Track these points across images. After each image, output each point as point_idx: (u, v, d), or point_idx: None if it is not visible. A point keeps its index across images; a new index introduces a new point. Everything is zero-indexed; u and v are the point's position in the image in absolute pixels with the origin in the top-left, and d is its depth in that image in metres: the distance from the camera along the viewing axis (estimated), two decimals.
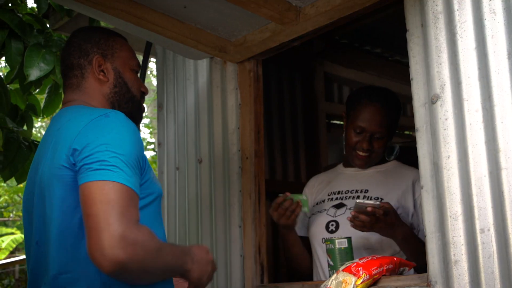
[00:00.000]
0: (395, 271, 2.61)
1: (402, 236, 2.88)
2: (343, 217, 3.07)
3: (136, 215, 1.96)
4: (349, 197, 3.18)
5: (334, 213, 3.15)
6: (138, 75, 2.55)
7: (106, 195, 1.90)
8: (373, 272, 2.48)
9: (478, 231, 2.17)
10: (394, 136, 3.24)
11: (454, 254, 2.25)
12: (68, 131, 2.13)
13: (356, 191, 3.19)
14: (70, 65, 2.41)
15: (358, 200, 2.78)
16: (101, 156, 1.98)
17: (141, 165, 2.12)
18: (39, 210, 2.20)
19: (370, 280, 2.46)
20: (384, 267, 2.53)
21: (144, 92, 2.53)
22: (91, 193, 1.92)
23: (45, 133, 2.33)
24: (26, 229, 2.33)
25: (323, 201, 3.27)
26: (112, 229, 1.85)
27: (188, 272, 2.17)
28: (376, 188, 3.15)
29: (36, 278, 2.21)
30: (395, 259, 2.62)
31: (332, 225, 3.13)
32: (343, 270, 2.50)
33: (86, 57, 2.39)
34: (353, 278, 2.44)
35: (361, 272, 2.45)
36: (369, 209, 2.73)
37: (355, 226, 2.82)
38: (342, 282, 2.44)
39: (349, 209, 3.07)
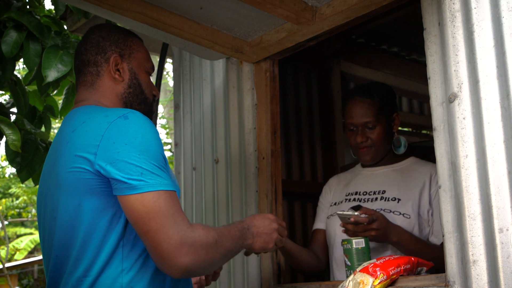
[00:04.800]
0: (413, 271, 2.59)
1: (397, 239, 2.88)
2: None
3: (185, 216, 2.05)
4: (367, 200, 3.16)
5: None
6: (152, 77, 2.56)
7: (158, 207, 2.00)
8: (391, 273, 2.47)
9: (496, 230, 2.14)
10: (396, 126, 3.24)
11: (472, 254, 2.22)
12: (87, 134, 2.13)
13: (374, 193, 3.17)
14: (86, 61, 2.42)
15: (338, 212, 2.83)
16: (138, 164, 2.03)
17: (165, 162, 2.16)
18: (62, 214, 2.20)
19: (388, 280, 2.46)
20: (402, 267, 2.52)
21: (155, 95, 2.55)
22: (144, 207, 2.00)
23: (57, 135, 2.34)
24: (43, 232, 2.34)
25: (341, 202, 3.27)
26: (172, 240, 1.97)
27: (249, 245, 2.34)
28: (393, 189, 3.13)
29: (55, 281, 2.23)
30: (412, 259, 2.60)
31: None
32: (360, 271, 2.49)
33: (104, 54, 2.40)
34: (371, 279, 2.43)
35: (378, 273, 2.44)
36: (351, 219, 2.78)
37: (347, 233, 2.85)
38: (359, 283, 2.44)
39: None
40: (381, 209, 3.03)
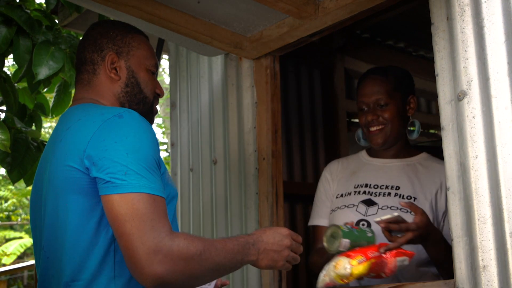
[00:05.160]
0: (392, 259, 2.55)
1: (432, 245, 2.74)
2: (375, 217, 2.90)
3: (167, 223, 1.98)
4: (379, 194, 3.04)
5: (365, 211, 3.01)
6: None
7: (136, 210, 1.93)
8: (370, 255, 2.49)
9: (507, 234, 2.11)
10: (412, 110, 3.13)
11: (482, 259, 2.19)
12: (80, 132, 2.10)
13: (387, 187, 3.06)
14: (83, 59, 2.38)
15: (375, 220, 2.69)
16: (124, 163, 1.98)
17: (160, 166, 2.11)
18: (50, 214, 2.16)
19: (368, 262, 2.47)
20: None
21: (159, 94, 2.50)
22: (122, 208, 1.94)
23: (53, 133, 2.31)
24: (34, 233, 2.31)
25: (349, 193, 3.13)
26: (146, 246, 1.89)
27: (253, 262, 2.20)
28: (407, 185, 3.03)
29: (46, 285, 2.19)
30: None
31: (363, 224, 2.99)
32: (337, 256, 2.54)
33: (100, 52, 2.36)
34: (346, 259, 2.47)
35: (355, 254, 2.48)
36: (381, 225, 2.63)
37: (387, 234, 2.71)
38: (334, 266, 2.49)
39: (381, 208, 2.97)
40: (397, 208, 2.94)
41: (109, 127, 2.05)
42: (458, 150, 2.34)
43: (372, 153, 3.24)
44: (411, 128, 3.11)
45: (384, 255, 2.50)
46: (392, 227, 2.61)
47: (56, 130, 2.28)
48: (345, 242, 2.57)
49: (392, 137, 3.08)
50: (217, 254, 2.03)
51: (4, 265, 16.53)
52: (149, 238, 1.89)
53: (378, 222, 2.62)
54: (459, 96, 2.31)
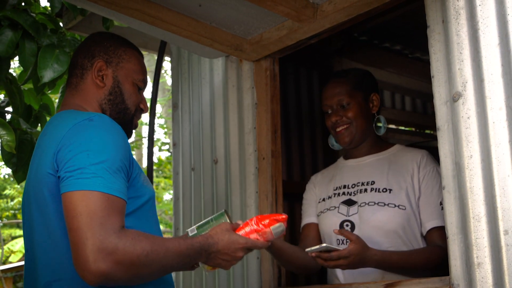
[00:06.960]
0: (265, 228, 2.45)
1: (374, 266, 2.77)
2: (357, 216, 3.00)
3: (118, 222, 1.96)
4: (357, 192, 3.08)
5: (347, 211, 3.05)
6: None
7: (86, 206, 1.92)
8: (241, 234, 2.38)
9: (501, 232, 2.13)
10: (376, 107, 3.17)
11: (477, 257, 2.22)
12: (52, 137, 2.14)
13: (363, 184, 3.09)
14: (75, 63, 2.44)
15: (306, 250, 2.66)
16: (82, 163, 1.99)
17: (128, 168, 2.12)
18: (28, 218, 2.22)
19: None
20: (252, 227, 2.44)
21: (142, 109, 2.52)
22: (72, 204, 1.94)
23: (37, 140, 2.35)
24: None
25: (330, 197, 3.18)
26: (91, 242, 1.87)
27: (201, 262, 2.26)
28: (381, 179, 3.05)
29: (29, 286, 2.23)
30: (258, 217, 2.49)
31: (347, 225, 3.03)
32: None
33: (91, 58, 2.41)
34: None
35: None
36: (312, 254, 2.63)
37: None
38: None
39: (360, 205, 3.01)
40: (374, 202, 2.97)
41: (77, 130, 2.08)
42: (453, 150, 2.36)
43: (347, 156, 3.29)
44: (378, 124, 3.14)
45: (257, 228, 2.41)
46: (323, 256, 2.61)
47: (39, 138, 2.32)
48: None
49: (359, 134, 3.12)
50: (165, 256, 2.02)
51: (10, 262, 16.47)
52: (95, 234, 1.87)
53: (308, 253, 2.63)
54: (454, 97, 2.34)
